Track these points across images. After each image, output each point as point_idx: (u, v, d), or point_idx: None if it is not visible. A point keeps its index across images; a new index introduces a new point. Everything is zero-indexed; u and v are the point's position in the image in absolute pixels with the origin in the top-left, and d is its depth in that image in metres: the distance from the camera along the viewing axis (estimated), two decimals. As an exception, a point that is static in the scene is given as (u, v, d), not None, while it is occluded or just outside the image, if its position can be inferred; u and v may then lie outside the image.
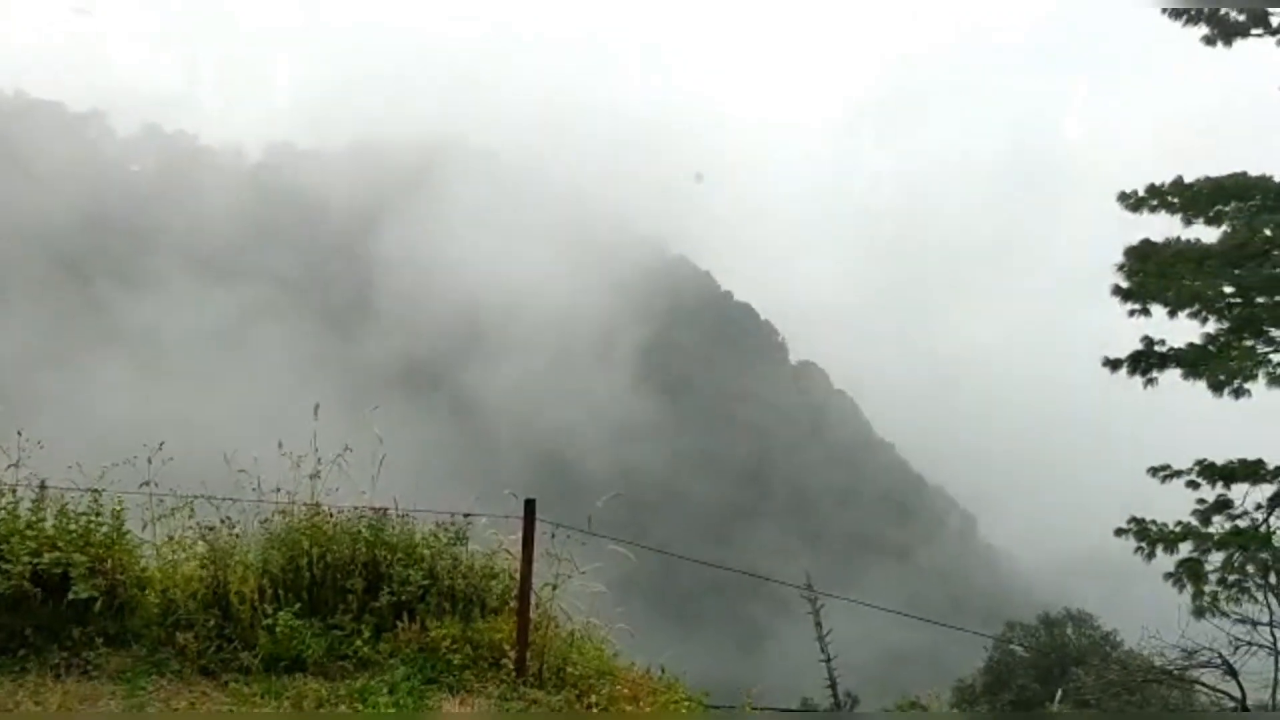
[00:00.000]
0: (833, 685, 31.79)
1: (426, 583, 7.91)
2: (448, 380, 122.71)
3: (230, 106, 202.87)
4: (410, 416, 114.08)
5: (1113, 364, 24.36)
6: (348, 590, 7.82)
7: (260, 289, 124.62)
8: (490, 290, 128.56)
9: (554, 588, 7.82)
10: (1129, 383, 24.32)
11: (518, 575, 7.70)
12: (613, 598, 9.13)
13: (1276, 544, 21.91)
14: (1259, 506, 23.17)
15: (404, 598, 7.79)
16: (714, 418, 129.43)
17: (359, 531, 8.04)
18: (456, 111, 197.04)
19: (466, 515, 8.22)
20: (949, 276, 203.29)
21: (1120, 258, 24.28)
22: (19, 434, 8.19)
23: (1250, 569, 22.65)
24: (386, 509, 8.19)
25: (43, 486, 8.44)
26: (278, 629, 7.35)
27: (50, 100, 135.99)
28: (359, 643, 7.56)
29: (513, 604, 7.78)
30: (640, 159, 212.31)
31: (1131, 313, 23.71)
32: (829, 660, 32.10)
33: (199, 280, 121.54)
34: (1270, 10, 22.71)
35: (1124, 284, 23.79)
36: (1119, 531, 24.65)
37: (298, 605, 7.62)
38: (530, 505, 7.59)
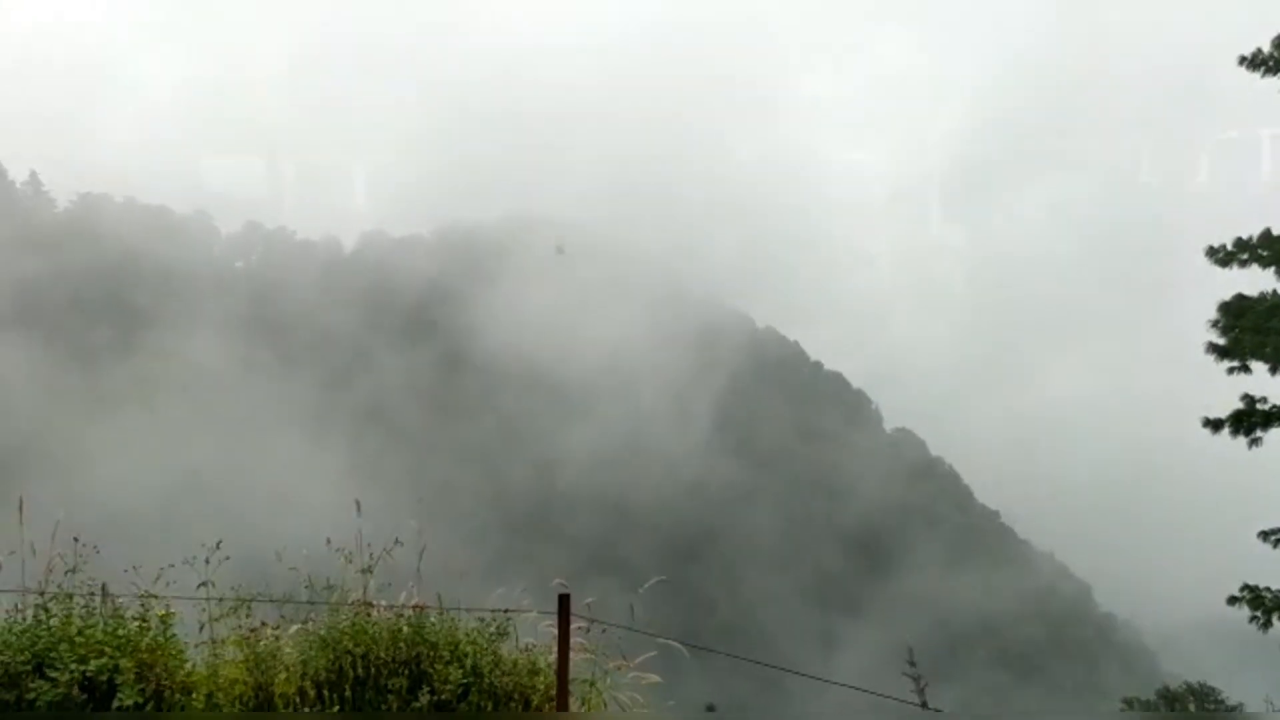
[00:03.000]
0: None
1: (468, 680, 7.81)
2: (529, 445, 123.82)
3: (324, 202, 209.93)
4: (488, 480, 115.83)
5: (1214, 424, 23.38)
6: (389, 690, 7.77)
7: (341, 363, 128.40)
8: (574, 365, 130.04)
9: (592, 684, 7.67)
10: (1235, 442, 23.32)
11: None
12: (669, 688, 8.91)
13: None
14: (1379, 569, 21.98)
15: (444, 696, 7.70)
16: (807, 487, 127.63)
17: (400, 629, 8.03)
18: (543, 192, 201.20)
19: (507, 611, 8.13)
20: (1046, 339, 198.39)
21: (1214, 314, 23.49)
22: (75, 540, 8.39)
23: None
24: (425, 605, 8.16)
25: (105, 592, 8.63)
26: (317, 731, 7.34)
27: (157, 205, 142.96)
28: (398, 744, 7.47)
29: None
30: (728, 230, 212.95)
31: (1230, 370, 22.82)
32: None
33: (295, 361, 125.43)
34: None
35: (1219, 341, 22.95)
36: (1232, 600, 23.48)
37: (337, 708, 7.61)
38: (564, 600, 7.47)
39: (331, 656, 7.91)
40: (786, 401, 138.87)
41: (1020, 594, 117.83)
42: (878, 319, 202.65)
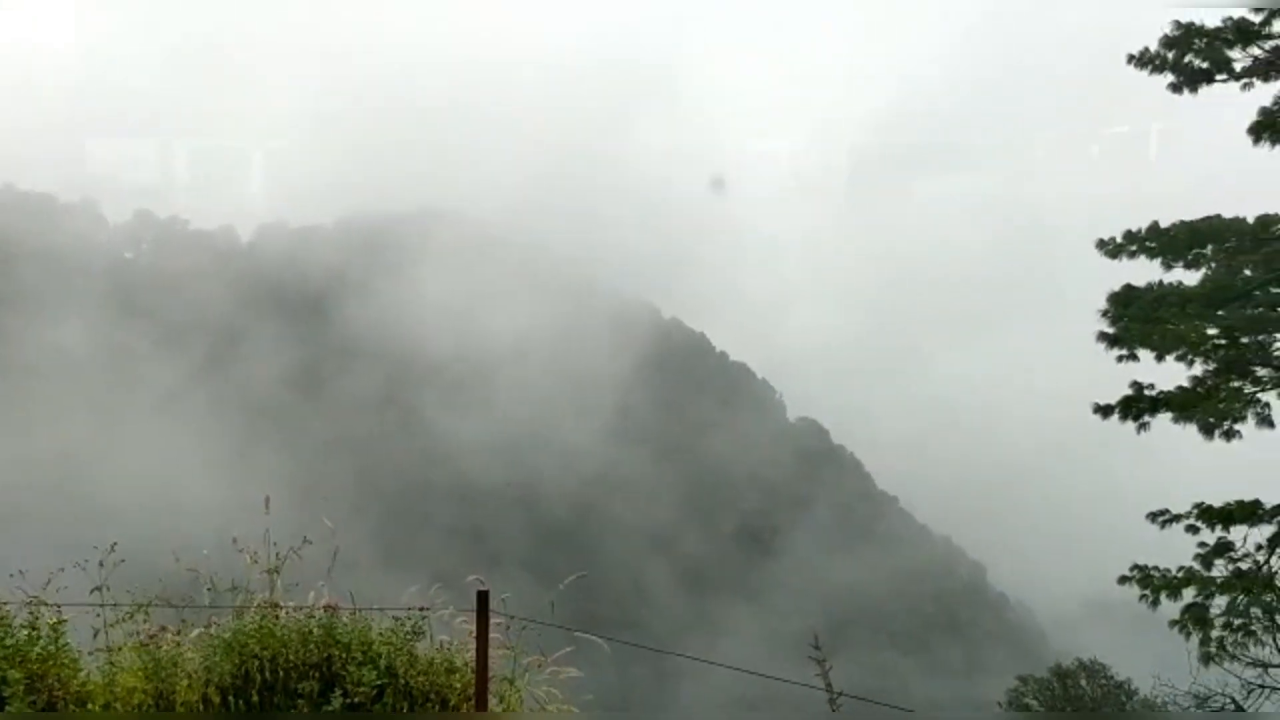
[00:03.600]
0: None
1: (383, 681, 7.61)
2: (427, 438, 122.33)
3: (220, 190, 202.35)
4: (382, 467, 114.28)
5: (1104, 410, 24.19)
6: (299, 694, 7.52)
7: (235, 356, 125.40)
8: (475, 356, 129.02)
9: (510, 681, 7.54)
10: (1124, 427, 24.17)
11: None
12: (590, 681, 8.81)
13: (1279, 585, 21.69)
14: (1259, 548, 22.94)
15: (358, 698, 7.49)
16: (709, 477, 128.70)
17: (310, 630, 7.77)
18: (445, 182, 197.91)
19: (422, 609, 7.94)
20: (947, 329, 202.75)
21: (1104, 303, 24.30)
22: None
23: (1255, 612, 22.36)
24: (337, 605, 7.93)
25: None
26: (223, 740, 7.07)
27: (40, 192, 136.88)
28: (309, 750, 7.24)
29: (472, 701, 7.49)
30: (635, 221, 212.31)
31: (1119, 358, 23.63)
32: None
33: (181, 350, 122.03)
34: (1232, 56, 23.03)
35: (1109, 330, 23.74)
36: (1123, 579, 24.31)
37: (246, 713, 7.33)
38: (483, 597, 7.32)
39: (237, 661, 7.63)
40: (691, 392, 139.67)
41: (915, 576, 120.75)
42: (783, 309, 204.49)
